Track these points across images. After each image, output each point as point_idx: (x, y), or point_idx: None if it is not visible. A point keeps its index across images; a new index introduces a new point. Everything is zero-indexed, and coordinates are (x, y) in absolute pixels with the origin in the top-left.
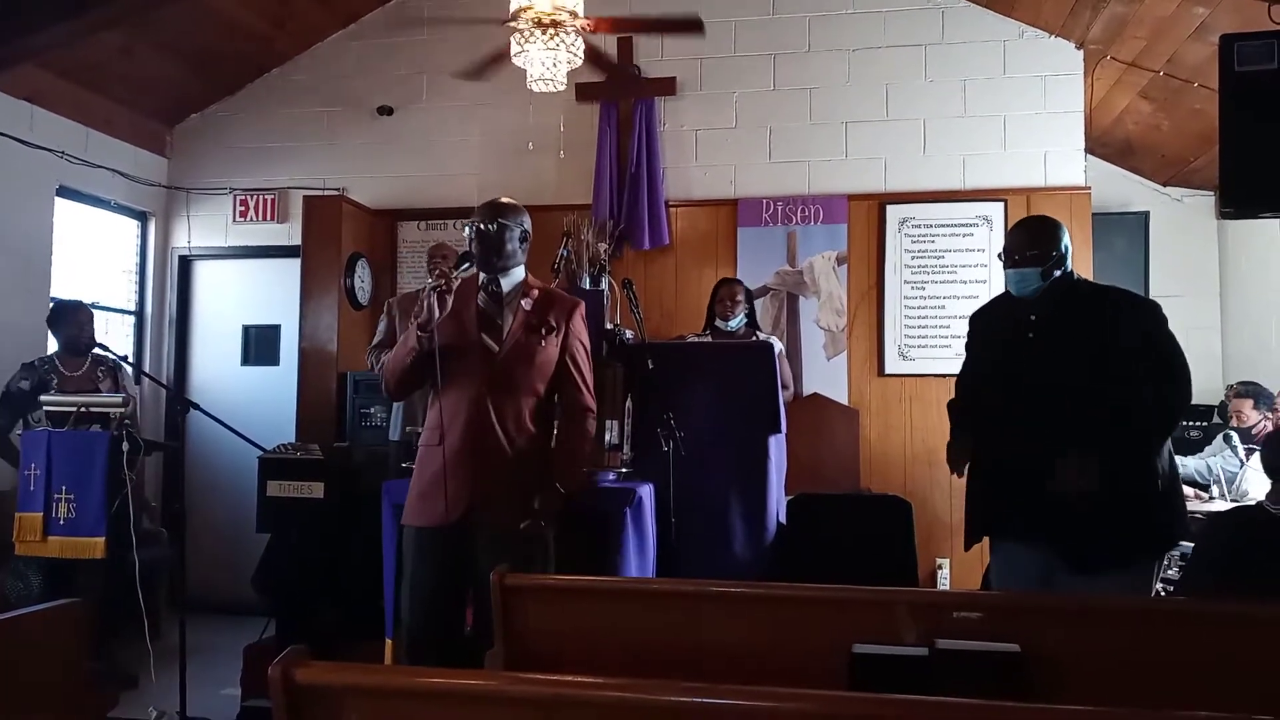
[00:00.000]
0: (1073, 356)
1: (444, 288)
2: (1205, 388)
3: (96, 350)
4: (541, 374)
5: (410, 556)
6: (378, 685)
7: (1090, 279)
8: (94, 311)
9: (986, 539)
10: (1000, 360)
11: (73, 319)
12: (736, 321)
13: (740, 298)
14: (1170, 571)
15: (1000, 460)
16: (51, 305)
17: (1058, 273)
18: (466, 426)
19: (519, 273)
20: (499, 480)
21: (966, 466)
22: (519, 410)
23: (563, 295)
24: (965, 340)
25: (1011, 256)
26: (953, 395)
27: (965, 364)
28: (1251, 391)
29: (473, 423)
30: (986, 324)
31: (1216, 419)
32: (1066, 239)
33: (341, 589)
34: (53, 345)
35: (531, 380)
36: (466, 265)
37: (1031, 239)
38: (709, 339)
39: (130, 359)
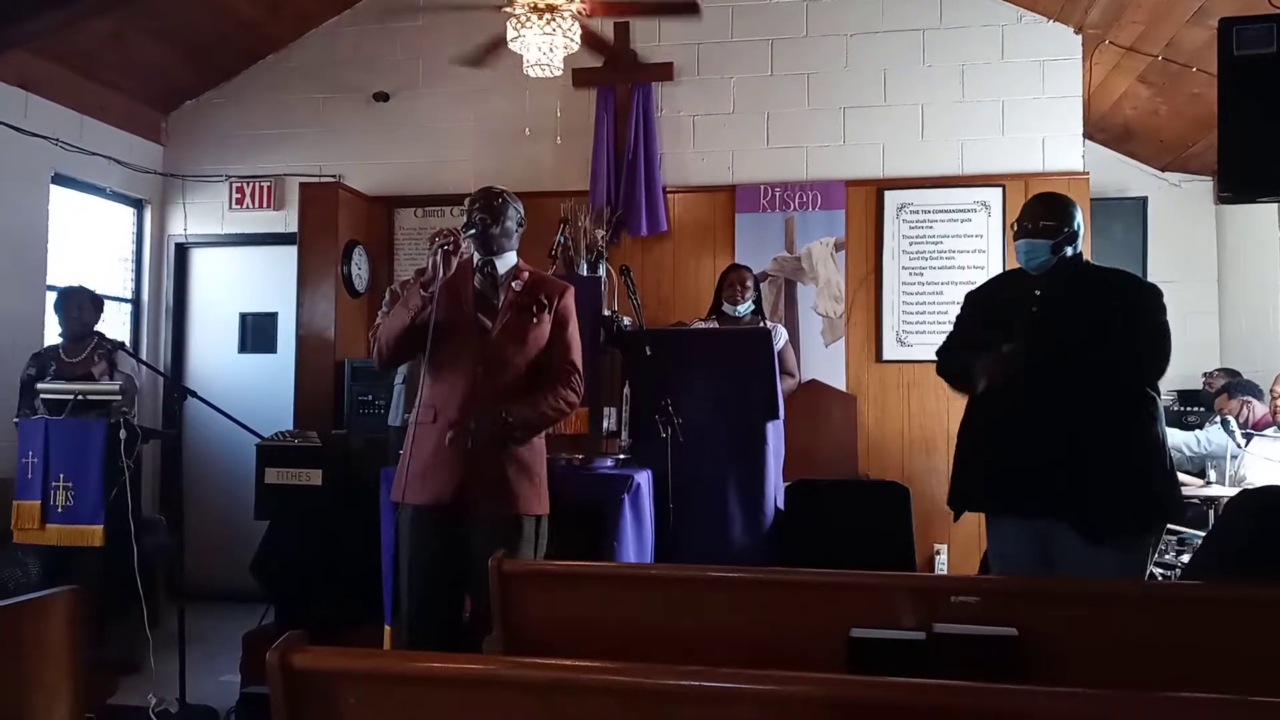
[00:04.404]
0: (1076, 334)
1: (451, 246)
2: (1202, 372)
3: (97, 336)
4: (533, 352)
5: (407, 535)
6: (376, 670)
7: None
8: (97, 297)
9: (983, 517)
10: (1005, 336)
11: (66, 303)
12: (745, 307)
13: (749, 283)
14: (1169, 556)
15: (1001, 436)
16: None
17: (1068, 250)
18: (462, 404)
19: (512, 257)
20: (493, 459)
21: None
22: (512, 389)
23: (552, 279)
24: (958, 315)
25: (1024, 226)
26: (940, 365)
27: (952, 337)
28: (1227, 386)
29: (468, 401)
30: (989, 301)
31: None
32: (1080, 219)
33: (340, 575)
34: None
35: (524, 359)
36: (473, 231)
37: (1046, 210)
38: (715, 325)
39: (128, 347)
